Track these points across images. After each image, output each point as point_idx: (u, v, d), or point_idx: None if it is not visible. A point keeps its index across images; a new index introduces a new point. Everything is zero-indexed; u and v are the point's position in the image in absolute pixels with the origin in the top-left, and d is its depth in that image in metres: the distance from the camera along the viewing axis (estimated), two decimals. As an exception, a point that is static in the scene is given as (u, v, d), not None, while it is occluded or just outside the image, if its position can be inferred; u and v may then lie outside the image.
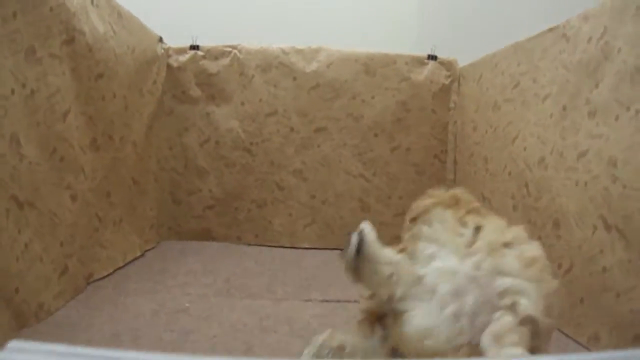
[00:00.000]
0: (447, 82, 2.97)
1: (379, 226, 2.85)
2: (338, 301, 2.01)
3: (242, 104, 2.92)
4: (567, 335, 1.71)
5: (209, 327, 1.71)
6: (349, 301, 1.99)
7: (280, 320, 1.81)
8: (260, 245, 2.95)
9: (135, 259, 2.50)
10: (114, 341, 1.57)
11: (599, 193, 1.60)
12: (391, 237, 2.86)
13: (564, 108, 1.82)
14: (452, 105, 2.97)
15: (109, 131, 2.22)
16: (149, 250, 2.69)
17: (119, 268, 2.32)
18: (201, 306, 1.92)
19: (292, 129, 2.93)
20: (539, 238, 1.92)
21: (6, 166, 1.54)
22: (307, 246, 2.95)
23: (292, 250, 2.88)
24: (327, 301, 2.01)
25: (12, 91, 1.57)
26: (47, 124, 1.76)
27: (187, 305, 1.92)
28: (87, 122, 2.05)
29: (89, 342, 1.54)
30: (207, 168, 2.95)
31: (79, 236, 1.99)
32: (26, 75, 1.64)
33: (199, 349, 1.55)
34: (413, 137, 2.97)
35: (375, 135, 2.96)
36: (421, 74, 2.95)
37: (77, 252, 1.98)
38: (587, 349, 1.61)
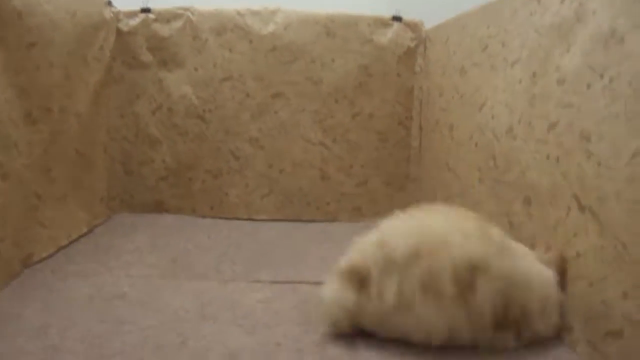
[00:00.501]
0: (412, 45, 2.85)
1: (340, 196, 2.83)
2: (288, 282, 1.92)
3: (196, 69, 2.80)
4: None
5: (145, 316, 1.61)
6: (300, 282, 1.90)
7: (223, 305, 1.71)
8: (215, 217, 2.85)
9: (83, 235, 2.40)
10: (41, 334, 1.46)
11: (572, 170, 1.49)
12: (352, 208, 2.81)
13: (534, 74, 1.71)
14: (417, 69, 2.85)
15: (46, 103, 2.08)
16: (98, 225, 2.57)
17: (63, 247, 2.21)
18: (142, 290, 1.82)
19: (247, 95, 2.81)
20: (507, 215, 1.83)
21: None
22: (264, 218, 2.84)
23: (249, 222, 2.78)
24: (276, 282, 1.91)
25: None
26: (-30, 98, 1.63)
27: (125, 289, 1.81)
28: (19, 94, 1.92)
29: (14, 337, 1.44)
30: (159, 137, 2.83)
31: (12, 217, 1.87)
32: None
33: (128, 342, 1.44)
34: (376, 102, 2.85)
35: (336, 100, 2.84)
36: (385, 36, 2.83)
37: (11, 235, 1.86)
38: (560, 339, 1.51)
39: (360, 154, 2.88)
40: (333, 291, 1.48)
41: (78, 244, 2.30)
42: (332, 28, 2.81)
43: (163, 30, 2.80)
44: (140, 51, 2.80)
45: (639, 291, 1.23)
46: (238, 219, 2.84)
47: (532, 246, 1.65)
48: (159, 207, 2.88)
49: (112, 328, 1.52)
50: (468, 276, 1.35)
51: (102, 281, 1.88)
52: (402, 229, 1.50)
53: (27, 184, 1.98)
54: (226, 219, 2.84)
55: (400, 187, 2.90)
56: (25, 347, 1.38)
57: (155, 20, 2.80)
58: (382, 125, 2.88)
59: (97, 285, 1.85)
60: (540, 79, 1.67)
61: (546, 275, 1.46)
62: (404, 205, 2.77)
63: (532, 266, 1.46)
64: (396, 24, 2.84)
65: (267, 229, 2.64)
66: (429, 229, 1.46)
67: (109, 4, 2.70)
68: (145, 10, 2.80)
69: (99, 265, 2.05)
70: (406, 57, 2.85)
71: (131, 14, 2.80)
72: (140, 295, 1.77)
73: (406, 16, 2.85)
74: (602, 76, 1.38)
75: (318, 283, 1.84)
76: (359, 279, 1.45)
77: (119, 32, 2.78)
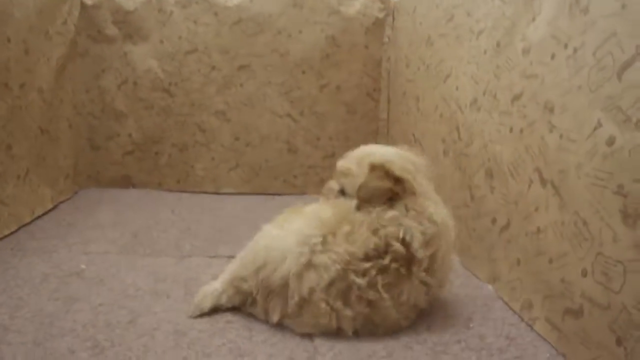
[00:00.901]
0: (381, 15, 2.82)
1: (307, 169, 2.82)
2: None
3: (161, 42, 2.77)
4: (502, 300, 1.62)
5: (98, 294, 1.61)
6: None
7: (178, 282, 1.71)
8: (182, 191, 2.85)
9: (47, 212, 2.38)
10: (-9, 314, 1.46)
11: (535, 142, 1.47)
12: (319, 180, 2.79)
13: (498, 44, 1.69)
14: (385, 40, 2.83)
15: (3, 79, 2.06)
16: (64, 201, 2.56)
17: (26, 225, 2.20)
18: (98, 267, 1.81)
19: (213, 68, 2.79)
20: (469, 188, 1.82)
21: None
22: (231, 191, 2.84)
23: (215, 196, 2.78)
24: (234, 257, 1.89)
25: None
26: None
27: (82, 266, 1.81)
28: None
29: (-37, 317, 1.44)
30: (125, 111, 2.81)
31: (-30, 195, 1.86)
32: None
33: (79, 320, 1.44)
34: (344, 74, 2.84)
35: (303, 72, 2.82)
36: (353, 7, 2.80)
37: (-32, 213, 1.85)
38: (520, 317, 1.52)
39: (328, 126, 2.87)
40: (216, 292, 1.51)
41: (41, 220, 2.29)
42: (300, -1, 2.79)
43: (128, 3, 2.76)
44: (105, 25, 2.76)
45: (598, 270, 1.22)
46: (205, 192, 2.84)
47: (493, 221, 1.65)
48: (126, 182, 2.87)
49: (63, 306, 1.52)
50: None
51: (60, 258, 1.88)
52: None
53: (-14, 161, 1.97)
54: (192, 192, 2.84)
55: (369, 160, 2.89)
56: (-29, 328, 1.39)
57: (120, -7, 2.77)
58: (350, 97, 2.87)
59: (54, 262, 1.84)
60: (505, 49, 1.65)
61: None
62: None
63: None
64: (365, -5, 2.82)
65: (232, 203, 2.64)
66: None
67: (72, -23, 2.67)
68: (109, -17, 2.77)
69: (59, 242, 2.04)
70: (375, 28, 2.83)
71: (95, -13, 2.77)
72: (97, 272, 1.77)
73: (375, -13, 2.83)
74: (566, 46, 1.35)
75: None
76: (244, 298, 1.48)
77: (83, 5, 2.74)
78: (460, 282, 1.75)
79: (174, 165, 2.84)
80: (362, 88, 2.87)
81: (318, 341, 1.37)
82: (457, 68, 1.98)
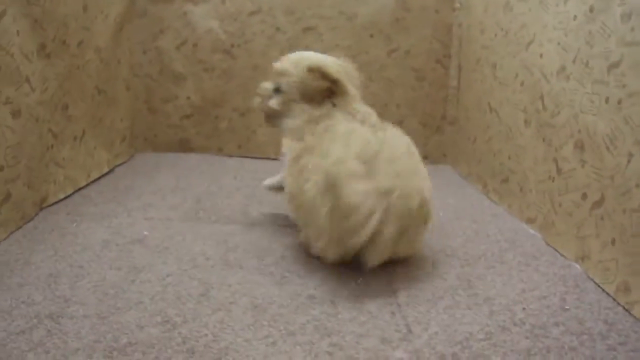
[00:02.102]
0: (451, -22, 2.69)
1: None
2: (318, 227, 1.80)
3: (222, 2, 2.68)
4: (594, 282, 1.48)
5: (164, 263, 1.50)
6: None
7: (249, 251, 1.60)
8: (243, 157, 2.76)
9: (103, 176, 2.30)
10: (50, 284, 1.36)
11: (636, 113, 1.34)
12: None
13: (591, 9, 1.55)
14: (457, 5, 2.70)
15: (62, 36, 1.96)
16: (119, 165, 2.48)
17: (81, 188, 2.12)
18: (162, 234, 1.72)
19: (277, 29, 2.69)
20: (555, 160, 1.70)
21: None
22: (293, 157, 2.72)
23: (278, 162, 2.65)
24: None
25: None
26: (-27, 29, 1.51)
27: (145, 233, 1.71)
28: (32, 25, 1.80)
29: (20, 286, 1.34)
30: (184, 73, 2.72)
31: (26, 157, 1.76)
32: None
33: (146, 292, 1.33)
34: (413, 39, 2.71)
35: (371, 36, 2.71)
36: (423, -31, 2.67)
37: (23, 175, 1.75)
38: (615, 300, 1.39)
39: (396, 93, 2.75)
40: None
41: (97, 184, 2.20)
42: (368, -41, 2.66)
43: (187, -40, 2.67)
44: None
45: None
46: (267, 158, 2.74)
47: (583, 196, 1.52)
48: (184, 146, 2.78)
49: (127, 276, 1.41)
50: None
51: (119, 224, 1.79)
52: None
53: (42, 121, 1.87)
54: (254, 158, 2.75)
55: (437, 129, 2.78)
56: (32, 298, 1.28)
57: (180, -50, 2.67)
58: (419, 63, 2.74)
59: (113, 228, 1.75)
60: (600, 15, 1.51)
61: None
62: (440, 147, 2.69)
63: None
64: (436, -44, 2.69)
65: (297, 170, 2.52)
66: None
67: None
68: (169, -60, 2.67)
69: (117, 206, 1.95)
70: (445, -8, 2.70)
71: (153, -56, 2.68)
72: (160, 239, 1.67)
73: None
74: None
75: None
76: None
77: (140, -37, 2.65)
78: (545, 259, 1.63)
79: (235, 130, 2.74)
80: (432, 54, 2.74)
81: (411, 319, 1.25)
82: (541, 34, 1.84)
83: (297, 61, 1.69)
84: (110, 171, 2.37)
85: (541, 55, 1.83)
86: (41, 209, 1.87)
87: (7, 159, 1.66)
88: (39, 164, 1.85)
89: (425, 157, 2.66)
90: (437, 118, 2.77)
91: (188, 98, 2.72)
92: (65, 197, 2.01)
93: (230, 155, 2.75)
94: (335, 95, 1.62)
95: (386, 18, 2.69)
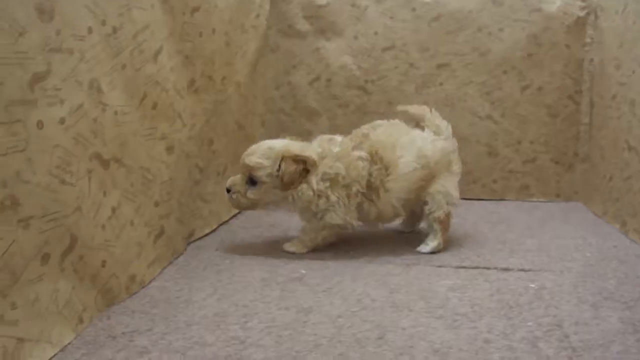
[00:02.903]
0: (582, 14, 2.62)
1: (507, 174, 2.65)
2: (475, 268, 1.76)
3: (355, 37, 2.67)
4: None
5: (331, 304, 1.47)
6: (488, 268, 1.74)
7: (412, 293, 1.56)
8: (378, 195, 2.70)
9: (241, 211, 2.29)
10: (219, 324, 1.35)
11: None
12: (519, 186, 2.62)
13: None
14: (588, 40, 2.63)
15: (208, 71, 1.98)
16: (256, 199, 2.46)
17: (224, 223, 2.13)
18: (319, 273, 1.70)
19: (411, 65, 2.66)
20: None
21: (85, 119, 1.30)
22: (429, 195, 2.67)
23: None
24: (462, 267, 1.75)
25: (89, 30, 1.32)
26: (135, 66, 1.52)
27: (303, 272, 1.70)
28: (184, 61, 1.82)
29: (189, 326, 1.34)
30: (318, 109, 2.71)
31: (177, 192, 1.78)
32: (105, 10, 1.39)
33: (321, 335, 1.30)
34: (545, 75, 2.65)
35: (504, 72, 2.65)
36: (553, 4, 2.62)
37: (175, 210, 1.77)
38: None
39: (530, 129, 2.68)
40: None
41: (238, 220, 2.22)
42: (499, -5, 2.62)
43: (319, -2, 2.67)
44: (296, 19, 2.69)
45: None
46: (402, 197, 2.68)
47: None
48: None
49: (298, 317, 1.39)
50: None
51: (273, 262, 1.78)
52: None
53: (191, 157, 1.88)
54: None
55: (570, 166, 2.70)
56: (204, 339, 1.27)
57: (311, -13, 2.68)
58: (551, 100, 2.67)
59: (268, 265, 1.75)
60: None
61: None
62: (572, 185, 2.62)
63: None
64: (565, -8, 2.63)
65: (435, 208, 2.47)
66: None
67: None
68: (301, -22, 2.68)
69: (265, 243, 1.96)
70: (576, 27, 2.62)
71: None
72: (319, 278, 1.65)
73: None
74: None
75: (507, 269, 1.70)
76: None
77: (273, 0, 2.67)
78: None
79: (369, 168, 2.71)
80: (564, 90, 2.67)
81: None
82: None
83: (265, 153, 1.83)
84: (248, 207, 2.36)
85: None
86: (188, 244, 1.88)
87: (161, 194, 1.67)
88: (187, 199, 1.86)
89: (558, 195, 2.63)
90: (570, 155, 2.69)
91: (322, 134, 2.71)
92: (210, 232, 2.03)
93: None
94: (308, 171, 1.82)
95: (518, 54, 2.64)
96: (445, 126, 2.02)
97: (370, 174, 1.83)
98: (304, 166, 1.80)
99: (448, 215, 1.93)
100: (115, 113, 1.42)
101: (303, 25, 2.69)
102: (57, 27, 1.20)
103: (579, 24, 2.62)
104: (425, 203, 1.92)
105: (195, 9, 1.86)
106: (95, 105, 1.34)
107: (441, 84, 2.65)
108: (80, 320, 1.29)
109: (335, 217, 1.83)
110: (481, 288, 1.58)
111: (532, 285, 1.60)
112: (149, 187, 1.60)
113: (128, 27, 1.48)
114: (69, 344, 1.22)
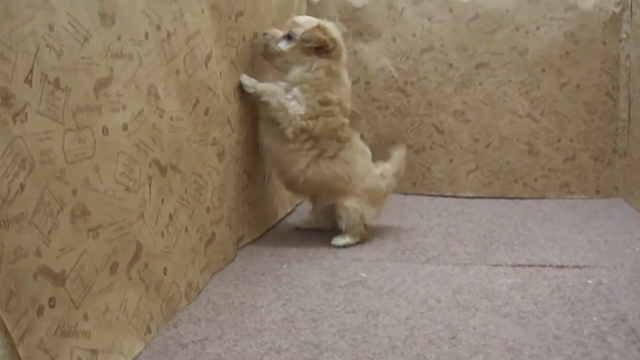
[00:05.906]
0: (617, 10, 2.61)
1: (548, 172, 2.64)
2: (531, 266, 1.75)
3: (393, 39, 2.68)
4: None
5: (397, 306, 1.48)
6: (543, 266, 1.74)
7: (475, 292, 1.57)
8: (418, 194, 2.72)
9: (287, 214, 2.32)
10: (290, 329, 1.36)
11: None
12: (560, 184, 2.61)
13: None
14: (623, 36, 2.62)
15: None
16: (299, 203, 2.48)
17: (271, 228, 2.13)
18: (379, 275, 1.70)
19: (450, 66, 2.66)
20: None
21: (145, 125, 1.31)
22: (469, 195, 2.69)
23: (454, 199, 2.63)
24: (519, 266, 1.76)
25: (146, 35, 1.34)
26: (188, 71, 1.53)
27: (363, 275, 1.70)
28: (229, 66, 1.83)
29: (259, 332, 1.34)
30: (357, 111, 2.70)
31: (227, 197, 1.78)
32: (160, 15, 1.40)
33: (395, 336, 1.31)
34: (583, 72, 2.65)
35: (543, 70, 2.65)
36: (589, 1, 2.61)
37: (226, 216, 1.77)
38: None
39: (569, 127, 2.67)
40: None
41: (284, 224, 2.23)
42: (534, -7, 2.62)
43: (356, 0, 2.68)
44: (333, 22, 2.68)
45: None
46: (442, 196, 2.69)
47: None
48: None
49: (367, 320, 1.39)
50: None
51: (331, 264, 1.79)
52: None
53: (240, 162, 1.89)
54: (429, 195, 2.70)
55: (609, 163, 2.68)
56: (278, 344, 1.27)
57: (347, -10, 2.69)
58: (589, 96, 2.66)
59: (327, 268, 1.75)
60: None
61: None
62: (611, 181, 2.61)
63: None
64: (599, -12, 2.62)
65: (476, 207, 2.49)
66: None
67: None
68: (335, -19, 2.69)
69: (317, 246, 1.97)
70: (611, 23, 2.62)
71: (322, -15, 2.70)
72: (380, 280, 1.65)
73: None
74: None
75: (563, 267, 1.71)
76: None
77: (309, 3, 2.70)
78: None
79: (410, 167, 2.68)
80: (601, 87, 2.66)
81: None
82: None
83: (308, 20, 2.05)
84: (293, 210, 2.39)
85: None
86: (238, 249, 1.88)
87: (212, 200, 1.68)
88: (236, 204, 1.86)
89: (597, 192, 2.62)
90: (608, 152, 2.68)
91: (362, 136, 2.70)
92: (259, 237, 2.03)
93: (406, 193, 2.71)
94: (328, 54, 1.98)
95: (556, 52, 2.63)
96: None
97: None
98: (327, 43, 1.97)
99: None
100: (171, 119, 1.43)
101: (340, 28, 2.68)
102: (117, 32, 1.22)
103: (614, 20, 2.61)
104: None
105: (240, 13, 1.88)
106: (153, 111, 1.35)
107: (480, 84, 2.65)
108: (148, 330, 1.30)
109: (299, 108, 1.94)
110: (541, 285, 1.59)
111: (590, 282, 1.60)
112: (201, 192, 1.61)
113: (181, 32, 1.49)
114: (139, 354, 1.23)
